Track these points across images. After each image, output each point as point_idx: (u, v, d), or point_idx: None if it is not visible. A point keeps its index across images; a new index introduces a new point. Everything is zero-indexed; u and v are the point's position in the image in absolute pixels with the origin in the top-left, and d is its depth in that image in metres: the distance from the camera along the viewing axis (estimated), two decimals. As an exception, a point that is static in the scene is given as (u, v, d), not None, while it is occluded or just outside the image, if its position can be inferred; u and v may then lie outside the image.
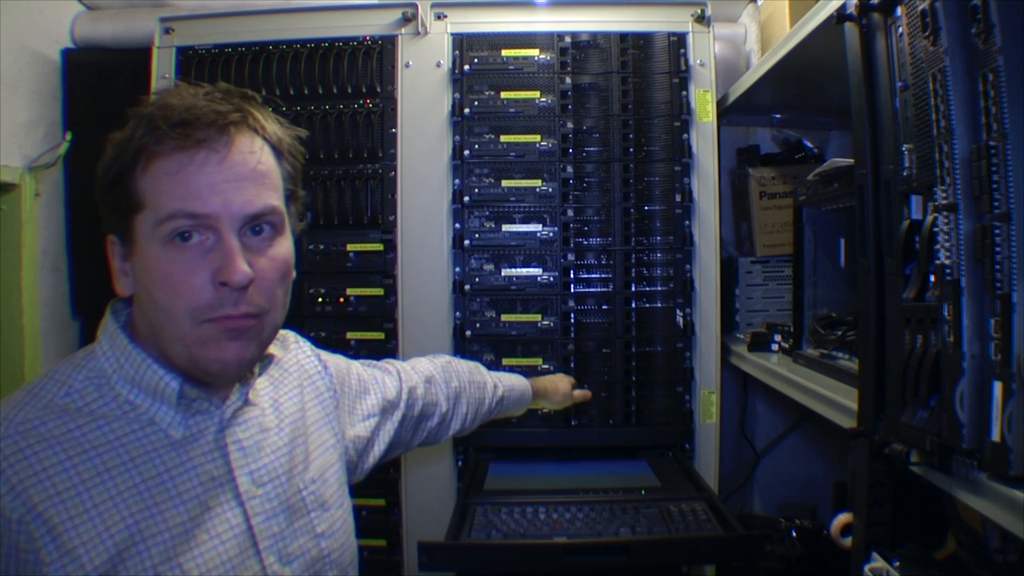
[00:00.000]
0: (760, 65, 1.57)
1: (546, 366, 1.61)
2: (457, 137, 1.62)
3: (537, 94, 1.63)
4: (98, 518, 0.74)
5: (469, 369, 1.33)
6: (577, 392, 1.54)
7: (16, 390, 0.81)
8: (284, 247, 0.84)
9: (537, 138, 1.62)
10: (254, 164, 0.80)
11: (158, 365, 0.81)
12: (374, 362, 1.19)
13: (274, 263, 0.82)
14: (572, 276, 1.62)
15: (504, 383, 1.38)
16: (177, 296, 0.77)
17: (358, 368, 1.13)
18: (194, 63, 1.64)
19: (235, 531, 0.82)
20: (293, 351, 1.02)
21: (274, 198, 0.82)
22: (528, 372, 1.59)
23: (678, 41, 1.64)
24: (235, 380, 0.87)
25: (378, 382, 1.15)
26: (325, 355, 1.07)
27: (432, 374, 1.24)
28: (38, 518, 0.72)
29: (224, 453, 0.84)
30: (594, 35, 1.64)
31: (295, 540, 0.88)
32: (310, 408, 0.99)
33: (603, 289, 1.62)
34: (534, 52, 1.64)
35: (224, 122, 0.79)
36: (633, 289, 1.62)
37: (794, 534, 1.69)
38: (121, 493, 0.76)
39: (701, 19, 1.65)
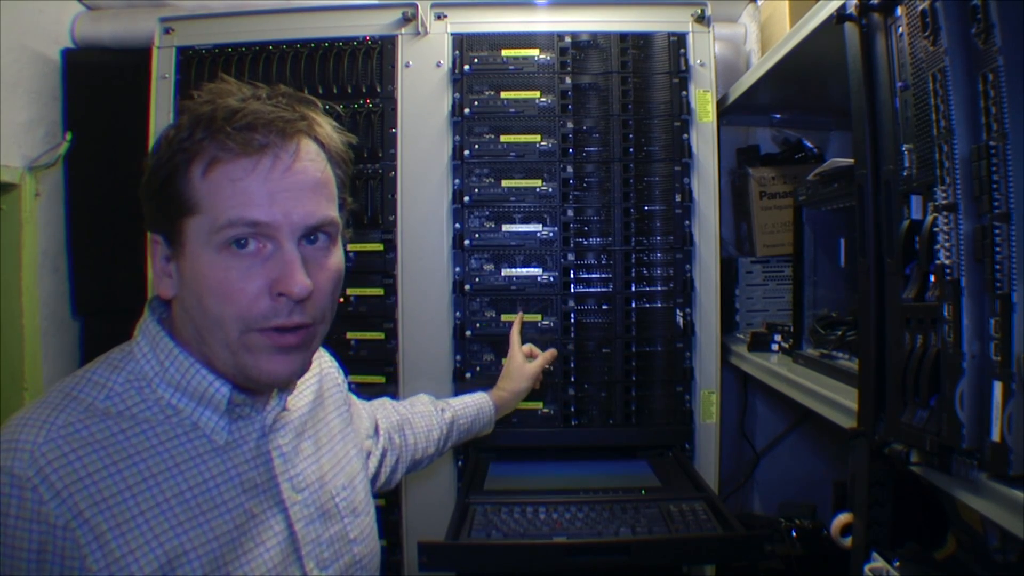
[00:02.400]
0: (760, 65, 1.57)
1: (546, 366, 1.61)
2: (457, 137, 1.62)
3: (537, 94, 1.63)
4: (145, 526, 0.73)
5: (410, 402, 1.32)
6: (538, 360, 1.51)
7: (51, 390, 0.78)
8: (337, 257, 0.83)
9: (537, 138, 1.62)
10: (317, 174, 0.79)
11: (207, 371, 0.80)
12: None
13: (329, 274, 0.81)
14: (572, 276, 1.62)
15: (453, 404, 1.36)
16: (230, 304, 0.75)
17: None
18: (194, 63, 1.64)
19: (279, 538, 0.82)
20: (316, 358, 1.01)
21: (332, 208, 0.81)
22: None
23: (678, 41, 1.63)
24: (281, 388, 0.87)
25: (363, 407, 1.17)
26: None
27: (372, 410, 1.22)
28: (84, 524, 0.70)
29: (267, 460, 0.84)
30: (594, 35, 1.64)
31: (331, 546, 0.88)
32: (332, 417, 1.00)
33: (603, 289, 1.62)
34: (534, 52, 1.64)
35: (292, 130, 0.77)
36: (633, 289, 1.62)
37: (794, 534, 1.69)
38: (168, 500, 0.75)
39: (701, 19, 1.64)
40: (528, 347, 1.56)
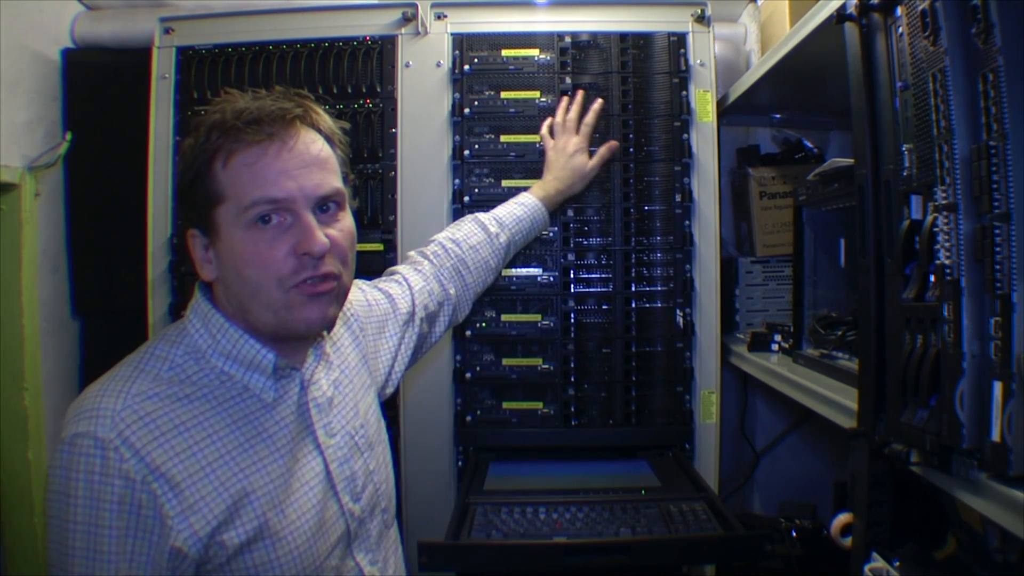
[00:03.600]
0: (760, 65, 1.57)
1: (546, 366, 1.61)
2: (457, 137, 1.62)
3: (537, 94, 1.63)
4: (212, 475, 0.85)
5: (464, 236, 1.36)
6: (597, 156, 1.54)
7: (121, 364, 0.90)
8: (348, 220, 0.96)
9: (537, 138, 1.61)
10: (317, 152, 0.92)
11: (255, 340, 0.93)
12: (381, 278, 1.29)
13: (343, 233, 0.93)
14: (572, 276, 1.62)
15: (507, 223, 1.41)
16: (264, 269, 0.88)
17: (372, 296, 1.21)
18: (194, 63, 1.64)
19: (319, 478, 0.96)
20: None
21: (337, 180, 0.94)
22: (530, 369, 1.60)
23: (678, 41, 1.63)
24: (317, 338, 1.00)
25: (392, 299, 1.23)
26: (353, 295, 1.15)
27: (431, 269, 1.31)
28: (161, 477, 0.82)
29: (305, 411, 0.97)
30: (594, 35, 1.64)
31: (358, 480, 1.01)
32: (350, 354, 1.11)
33: (603, 289, 1.62)
34: (534, 52, 1.64)
35: (290, 116, 0.90)
36: (633, 289, 1.62)
37: (794, 534, 1.69)
38: (230, 452, 0.88)
39: (701, 19, 1.64)
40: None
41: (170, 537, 0.81)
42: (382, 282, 1.26)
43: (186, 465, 0.84)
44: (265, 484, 0.89)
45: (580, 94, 1.58)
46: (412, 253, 1.36)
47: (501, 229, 1.39)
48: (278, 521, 0.89)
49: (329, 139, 0.95)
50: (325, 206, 0.92)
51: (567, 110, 1.57)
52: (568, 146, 1.53)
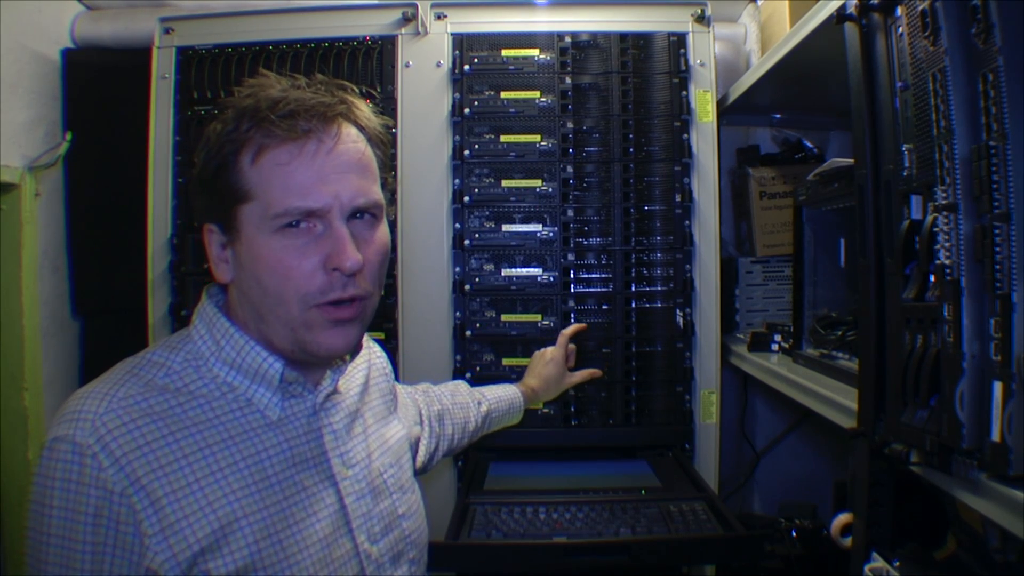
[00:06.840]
0: (760, 65, 1.57)
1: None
2: (457, 137, 1.62)
3: (537, 94, 1.63)
4: (199, 492, 0.77)
5: (450, 391, 1.36)
6: (579, 375, 1.57)
7: (114, 368, 0.83)
8: (384, 233, 0.88)
9: (537, 138, 1.62)
10: (358, 156, 0.84)
11: (261, 347, 0.85)
12: None
13: (376, 248, 0.86)
14: (572, 276, 1.62)
15: (489, 397, 1.40)
16: (288, 281, 0.80)
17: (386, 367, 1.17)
18: (194, 63, 1.64)
19: (329, 510, 0.85)
20: (365, 347, 1.06)
21: (376, 190, 0.86)
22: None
23: (678, 41, 1.63)
24: (337, 360, 0.91)
25: (409, 397, 1.21)
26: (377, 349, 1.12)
27: (417, 399, 1.27)
28: (141, 491, 0.74)
29: (318, 436, 0.88)
30: (594, 35, 1.64)
31: (381, 520, 0.91)
32: (376, 402, 1.03)
33: (603, 289, 1.62)
34: (534, 52, 1.64)
35: (332, 113, 0.82)
36: (633, 289, 1.62)
37: (794, 534, 1.69)
38: (222, 469, 0.79)
39: (701, 19, 1.64)
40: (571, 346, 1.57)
41: (146, 558, 0.74)
42: None
43: (170, 480, 0.75)
44: (259, 510, 0.79)
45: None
46: (403, 386, 1.28)
47: (483, 399, 1.39)
48: (273, 554, 0.79)
49: (371, 139, 0.87)
50: (361, 214, 0.84)
51: None
52: (546, 353, 1.54)
